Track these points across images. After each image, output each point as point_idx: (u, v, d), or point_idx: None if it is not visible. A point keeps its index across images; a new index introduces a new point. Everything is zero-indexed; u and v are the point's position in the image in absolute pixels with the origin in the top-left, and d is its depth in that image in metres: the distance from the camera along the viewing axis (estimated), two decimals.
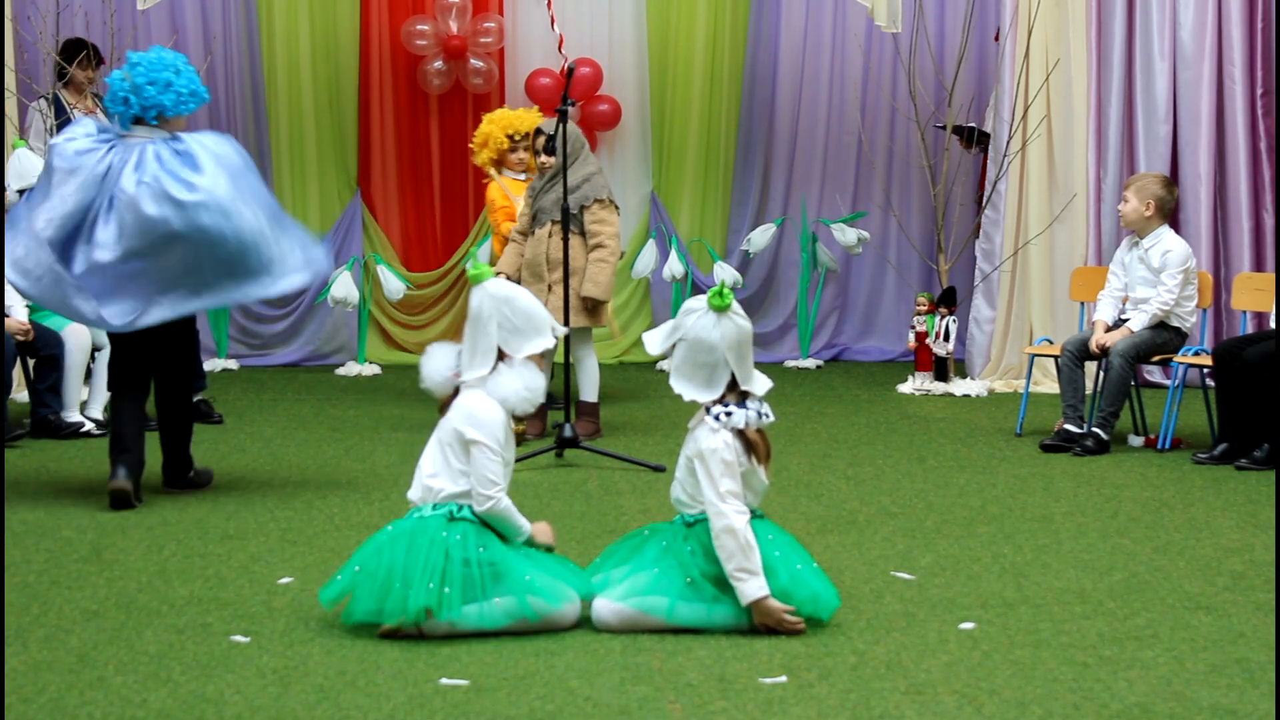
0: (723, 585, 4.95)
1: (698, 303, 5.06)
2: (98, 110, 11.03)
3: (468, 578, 4.89)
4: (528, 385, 5.05)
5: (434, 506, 5.01)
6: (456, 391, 5.13)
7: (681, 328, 5.04)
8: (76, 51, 10.92)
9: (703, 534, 4.98)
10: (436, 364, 5.18)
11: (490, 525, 5.02)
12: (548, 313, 5.22)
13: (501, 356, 5.10)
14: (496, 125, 10.07)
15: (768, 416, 5.10)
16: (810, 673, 4.52)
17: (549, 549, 5.21)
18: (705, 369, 5.02)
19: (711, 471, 4.94)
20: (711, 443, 4.96)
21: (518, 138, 9.97)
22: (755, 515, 5.08)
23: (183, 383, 7.37)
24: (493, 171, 10.11)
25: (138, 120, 7.06)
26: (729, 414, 5.00)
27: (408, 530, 5.00)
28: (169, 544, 6.21)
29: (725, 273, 12.47)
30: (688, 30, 13.04)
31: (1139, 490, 7.51)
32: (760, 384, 5.12)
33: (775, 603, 4.89)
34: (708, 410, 5.02)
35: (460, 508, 5.00)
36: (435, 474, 5.04)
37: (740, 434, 5.01)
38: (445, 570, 4.88)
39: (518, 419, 8.67)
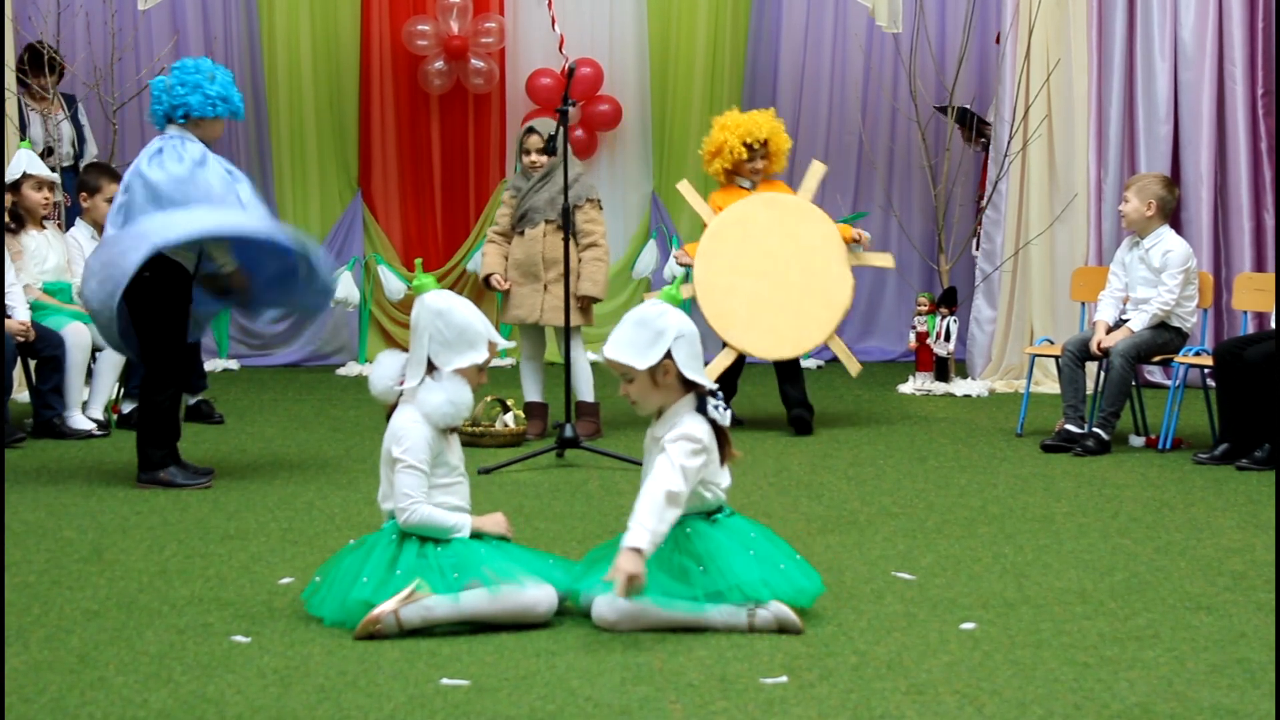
0: (705, 560, 4.97)
1: (661, 305, 5.07)
2: (60, 110, 11.13)
3: (424, 569, 4.96)
4: (451, 399, 5.06)
5: (391, 518, 5.13)
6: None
7: (670, 329, 5.02)
8: (32, 59, 11.00)
9: (678, 529, 4.99)
10: (383, 372, 5.22)
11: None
12: (488, 328, 5.19)
13: (433, 368, 5.13)
14: (732, 133, 9.47)
15: None
16: (811, 673, 4.52)
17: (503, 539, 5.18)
18: (699, 357, 5.07)
19: (672, 454, 4.92)
20: (693, 429, 4.96)
21: (756, 145, 9.46)
22: (726, 513, 5.12)
23: (148, 376, 7.53)
24: (698, 208, 9.57)
25: (169, 119, 7.39)
26: (726, 407, 5.05)
27: (369, 540, 5.14)
28: (170, 544, 6.21)
29: None
30: (688, 30, 13.05)
31: (1140, 490, 7.51)
32: None
33: (639, 565, 4.80)
34: (702, 403, 5.02)
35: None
36: (383, 494, 5.14)
37: (720, 429, 5.05)
38: (391, 564, 5.00)
39: (526, 418, 8.82)
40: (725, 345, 9.32)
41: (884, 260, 9.97)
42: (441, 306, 5.14)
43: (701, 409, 5.04)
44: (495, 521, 5.16)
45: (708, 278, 9.32)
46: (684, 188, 9.64)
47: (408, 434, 5.05)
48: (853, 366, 9.62)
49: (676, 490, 4.87)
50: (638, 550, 4.79)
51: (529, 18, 13.07)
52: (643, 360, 5.01)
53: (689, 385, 5.06)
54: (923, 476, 7.87)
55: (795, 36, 13.17)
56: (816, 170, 9.68)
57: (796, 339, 9.37)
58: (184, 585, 5.55)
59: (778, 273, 9.34)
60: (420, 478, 5.03)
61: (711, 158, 9.56)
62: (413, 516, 5.01)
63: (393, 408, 5.17)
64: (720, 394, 5.09)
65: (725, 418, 5.05)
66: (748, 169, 9.51)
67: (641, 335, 5.04)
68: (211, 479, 7.51)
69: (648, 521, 4.83)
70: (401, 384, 5.15)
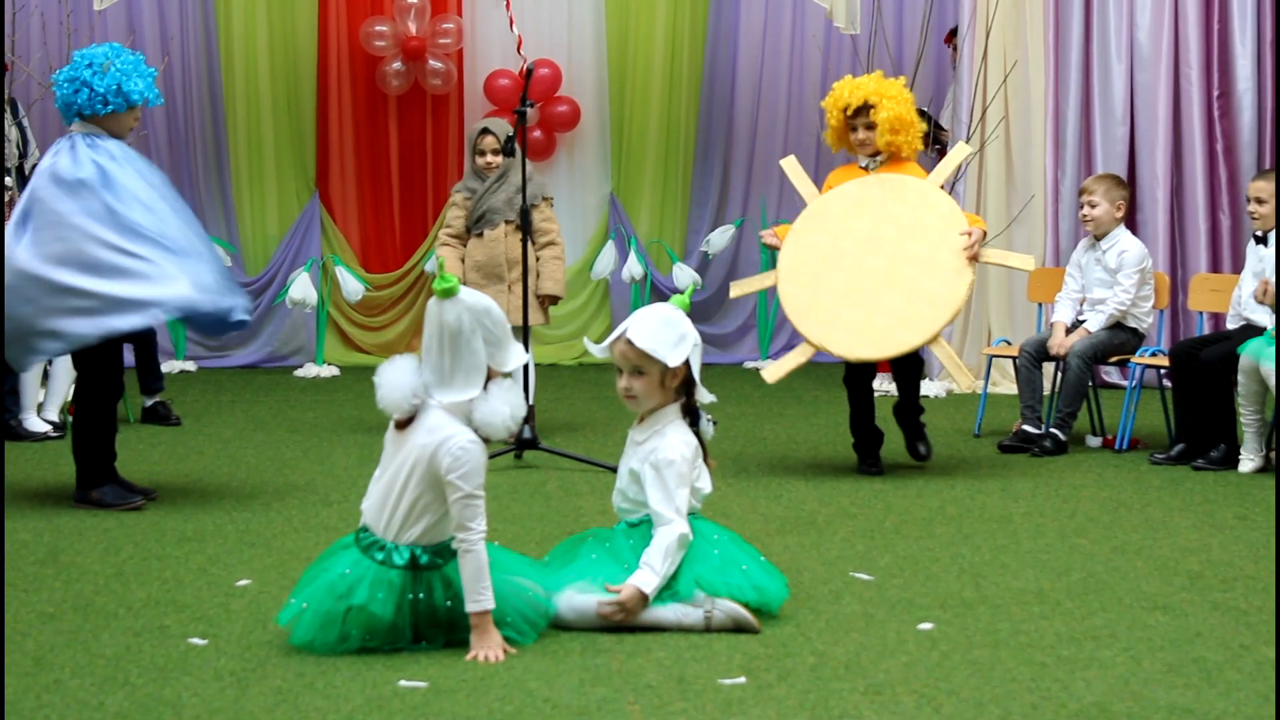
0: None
1: (678, 308, 5.06)
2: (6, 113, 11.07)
3: (433, 624, 4.76)
4: (514, 412, 4.75)
5: (395, 548, 4.76)
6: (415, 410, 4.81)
7: (690, 335, 5.02)
8: None
9: (646, 534, 5.00)
10: (398, 382, 4.76)
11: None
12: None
13: (489, 375, 4.79)
14: (831, 98, 8.12)
15: None
16: (769, 674, 4.52)
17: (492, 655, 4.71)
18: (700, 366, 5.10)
19: (667, 482, 4.96)
20: (672, 454, 4.98)
21: (850, 112, 7.96)
22: (694, 516, 5.13)
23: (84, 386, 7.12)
24: (800, 187, 8.23)
25: (77, 115, 6.96)
26: (714, 422, 5.09)
27: (366, 580, 4.74)
28: (126, 546, 6.18)
29: (684, 274, 12.50)
30: (647, 31, 13.04)
31: (1096, 490, 7.53)
32: None
33: (639, 607, 4.88)
34: (695, 418, 5.05)
35: (423, 553, 4.76)
36: (395, 508, 4.76)
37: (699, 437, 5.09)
38: (405, 630, 4.74)
39: None
40: (803, 340, 7.92)
41: (1023, 262, 8.14)
42: (485, 304, 4.76)
43: (694, 424, 5.09)
44: (486, 644, 4.70)
45: (794, 263, 7.93)
46: (788, 164, 8.33)
47: (469, 458, 4.68)
48: (963, 379, 7.95)
49: (686, 534, 4.95)
50: (644, 595, 4.89)
51: (487, 18, 13.05)
52: (673, 356, 4.98)
53: (678, 393, 5.09)
54: (880, 477, 7.88)
55: (753, 38, 13.18)
56: (959, 151, 8.26)
57: (884, 338, 7.79)
58: (140, 588, 5.53)
59: (882, 265, 7.83)
60: (480, 508, 4.68)
61: (828, 128, 8.21)
62: (473, 555, 4.67)
63: (406, 420, 4.80)
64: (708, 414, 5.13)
65: (710, 432, 5.10)
66: (853, 142, 8.04)
67: (668, 334, 5.01)
68: (143, 501, 7.05)
69: (658, 565, 4.91)
70: (418, 398, 4.76)
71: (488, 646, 4.66)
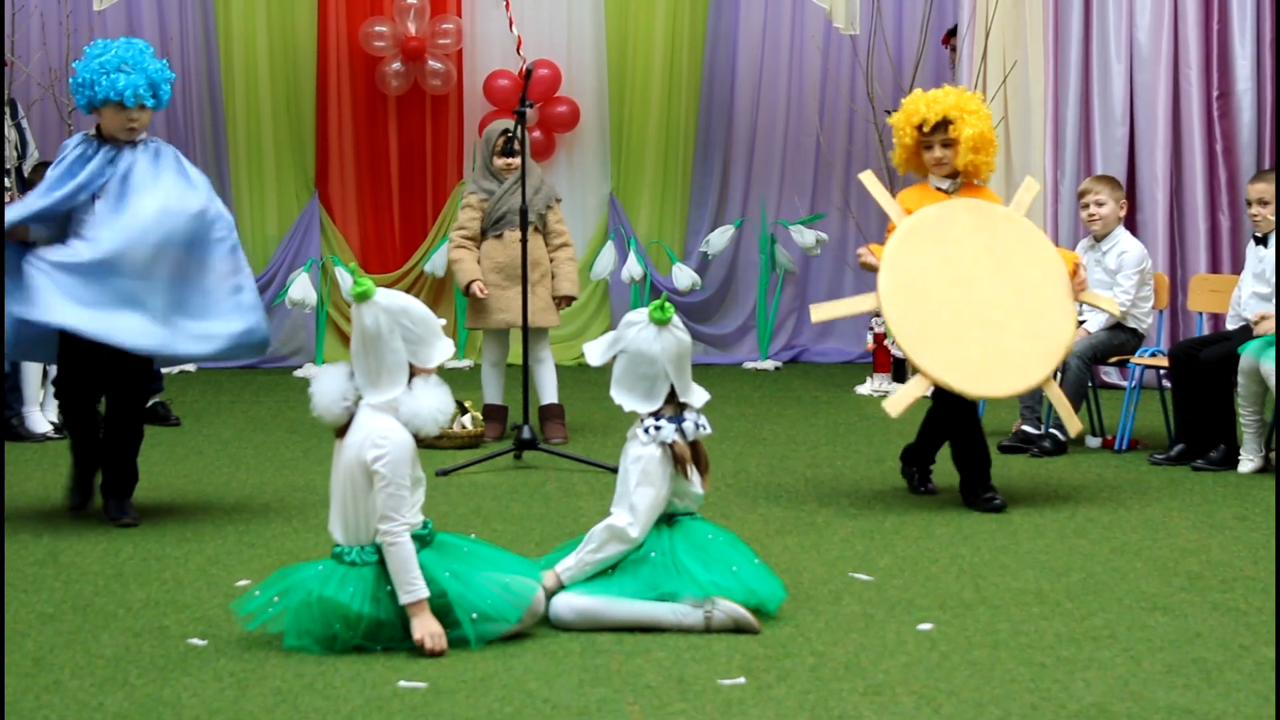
0: (657, 558, 5.02)
1: (638, 315, 5.14)
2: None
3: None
4: (441, 407, 4.83)
5: (361, 550, 4.82)
6: (351, 416, 4.89)
7: (622, 340, 5.12)
8: None
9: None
10: (329, 389, 4.89)
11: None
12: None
13: (413, 373, 4.88)
14: (902, 114, 7.40)
15: (704, 429, 5.15)
16: (769, 674, 4.53)
17: (433, 653, 4.72)
18: (646, 381, 5.10)
19: (628, 478, 5.06)
20: (637, 451, 5.07)
21: (927, 128, 7.29)
22: (691, 516, 5.15)
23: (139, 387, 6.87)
24: (885, 205, 7.43)
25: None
26: (658, 428, 5.07)
27: (337, 577, 4.80)
28: (126, 547, 6.18)
29: (684, 274, 12.49)
30: (646, 32, 13.04)
31: (1096, 491, 7.53)
32: (698, 396, 5.19)
33: (552, 583, 5.01)
34: (640, 422, 5.10)
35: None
36: (353, 513, 4.82)
37: (669, 447, 5.06)
38: (395, 624, 4.77)
39: (485, 420, 8.79)
40: (916, 372, 7.09)
41: (1112, 305, 7.85)
42: (401, 303, 4.89)
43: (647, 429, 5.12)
44: (426, 631, 4.73)
45: (898, 288, 7.13)
46: (867, 179, 7.49)
47: (390, 444, 4.76)
48: (1073, 425, 7.38)
49: (619, 526, 5.01)
50: (556, 575, 5.03)
51: (486, 19, 13.04)
52: (595, 357, 5.24)
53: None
54: (880, 478, 7.88)
55: (753, 38, 13.18)
56: (1030, 187, 7.50)
57: (1002, 373, 7.08)
58: (140, 588, 5.53)
59: (988, 296, 7.15)
60: (404, 498, 4.75)
61: (895, 148, 7.55)
62: (397, 548, 4.72)
63: (343, 427, 4.89)
64: (664, 417, 5.12)
65: (663, 435, 5.09)
66: (928, 161, 7.36)
67: (614, 334, 5.21)
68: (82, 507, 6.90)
69: (586, 559, 5.04)
70: (348, 400, 4.87)
71: (428, 633, 4.71)
